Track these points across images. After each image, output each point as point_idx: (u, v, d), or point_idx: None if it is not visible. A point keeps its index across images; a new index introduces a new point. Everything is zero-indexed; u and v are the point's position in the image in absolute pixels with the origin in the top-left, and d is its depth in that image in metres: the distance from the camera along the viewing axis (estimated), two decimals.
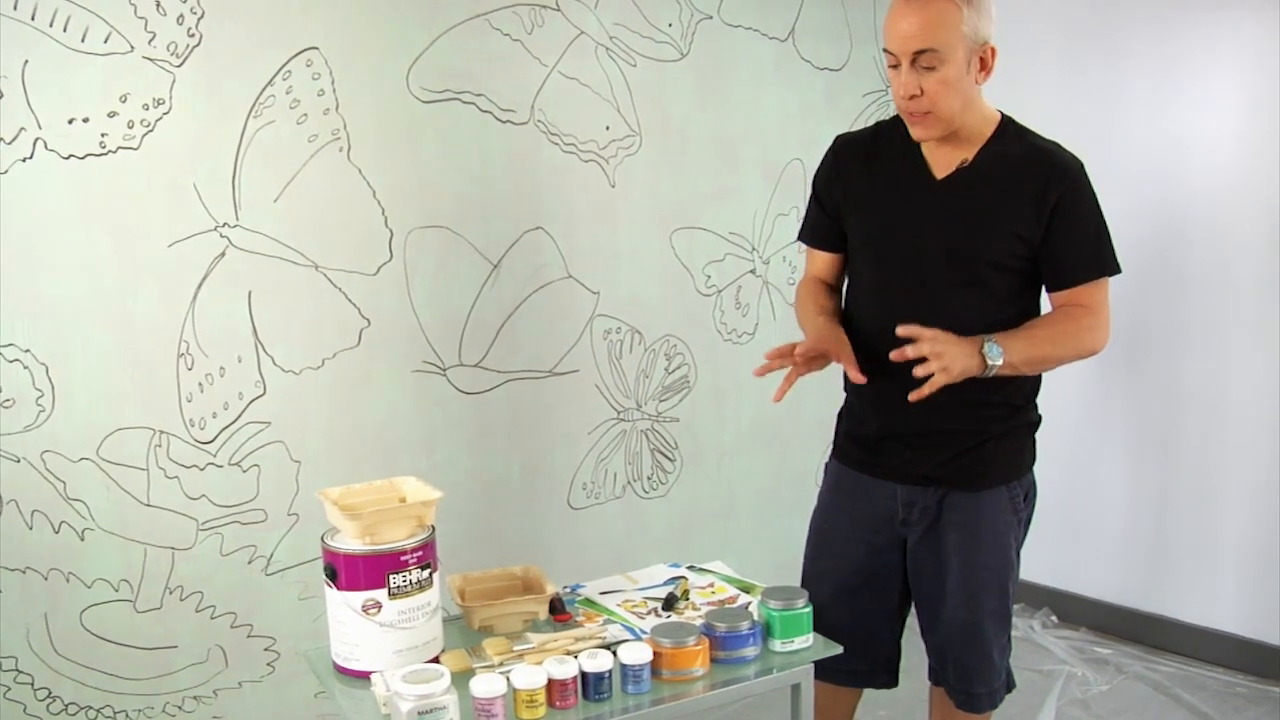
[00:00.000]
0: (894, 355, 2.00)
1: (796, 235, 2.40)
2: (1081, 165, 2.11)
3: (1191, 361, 3.47)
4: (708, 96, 3.39)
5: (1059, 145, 2.14)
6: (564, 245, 3.15)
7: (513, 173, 3.04)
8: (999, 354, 2.01)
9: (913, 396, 2.01)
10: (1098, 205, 2.11)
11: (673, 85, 3.31)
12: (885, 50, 2.06)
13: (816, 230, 2.36)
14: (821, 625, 2.04)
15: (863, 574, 2.30)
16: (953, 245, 2.11)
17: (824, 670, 2.21)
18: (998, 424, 2.19)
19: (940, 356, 1.96)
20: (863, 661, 2.30)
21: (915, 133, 2.11)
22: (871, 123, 3.69)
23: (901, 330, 2.01)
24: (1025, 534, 2.31)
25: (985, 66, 2.05)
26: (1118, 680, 3.42)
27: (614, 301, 3.28)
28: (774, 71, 3.52)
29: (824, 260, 2.37)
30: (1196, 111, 3.37)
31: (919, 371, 1.98)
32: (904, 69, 2.02)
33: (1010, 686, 2.36)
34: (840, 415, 2.40)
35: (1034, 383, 2.24)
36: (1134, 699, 3.31)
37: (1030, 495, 2.29)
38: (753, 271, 3.57)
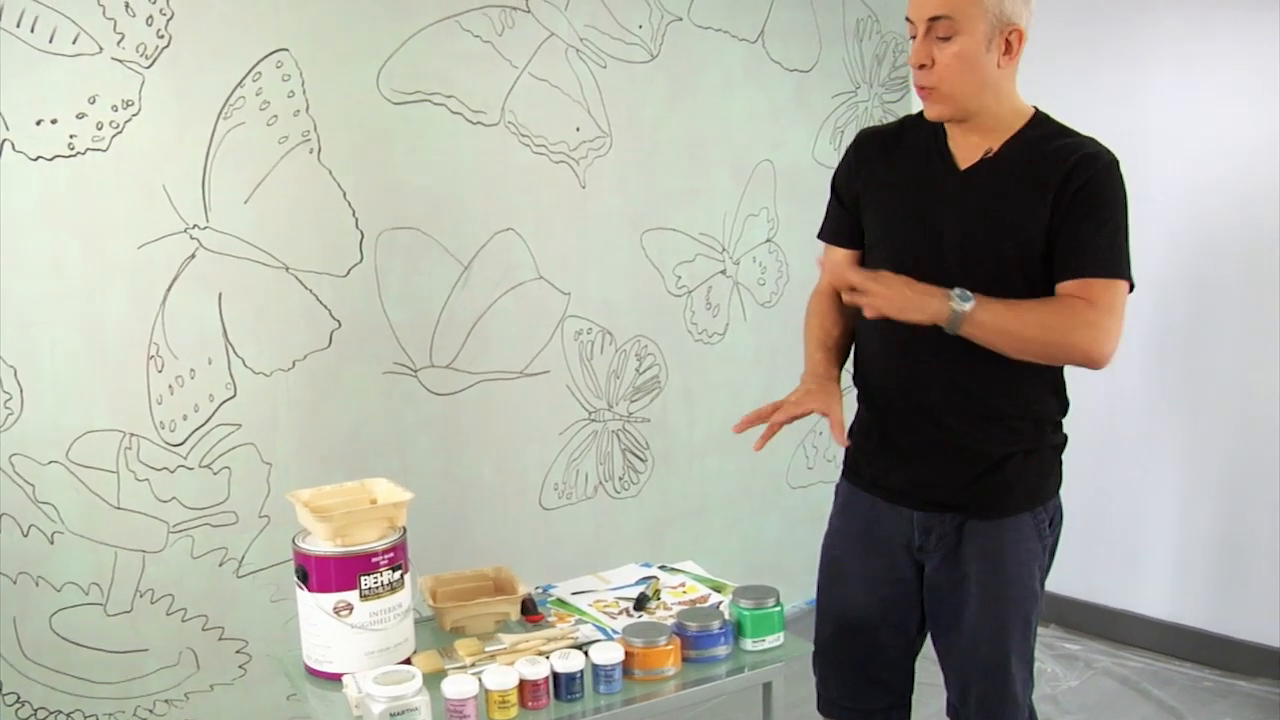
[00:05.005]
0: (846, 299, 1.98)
1: (817, 233, 2.28)
2: (1114, 159, 1.96)
3: (1171, 362, 3.50)
4: (678, 98, 3.40)
5: (1094, 139, 2.00)
6: (535, 246, 3.16)
7: (483, 174, 3.04)
8: (968, 301, 1.86)
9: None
10: (1123, 206, 1.96)
11: (643, 87, 3.32)
12: (906, 18, 1.96)
13: (835, 227, 2.23)
14: (836, 660, 2.00)
15: (880, 607, 2.15)
16: (971, 238, 1.99)
17: (839, 710, 2.18)
18: (1021, 444, 2.03)
19: (870, 294, 1.90)
20: (881, 698, 2.19)
21: (926, 111, 2.00)
22: (841, 124, 3.76)
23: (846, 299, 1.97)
24: (1050, 562, 2.13)
25: (1010, 50, 1.93)
26: (1087, 675, 3.45)
27: (585, 302, 3.29)
28: (744, 73, 3.53)
29: (842, 259, 2.21)
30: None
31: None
32: (919, 36, 1.92)
33: None
34: (852, 431, 2.21)
35: (1061, 402, 2.08)
36: (1103, 694, 3.34)
37: (1056, 520, 2.11)
38: (723, 272, 3.58)
